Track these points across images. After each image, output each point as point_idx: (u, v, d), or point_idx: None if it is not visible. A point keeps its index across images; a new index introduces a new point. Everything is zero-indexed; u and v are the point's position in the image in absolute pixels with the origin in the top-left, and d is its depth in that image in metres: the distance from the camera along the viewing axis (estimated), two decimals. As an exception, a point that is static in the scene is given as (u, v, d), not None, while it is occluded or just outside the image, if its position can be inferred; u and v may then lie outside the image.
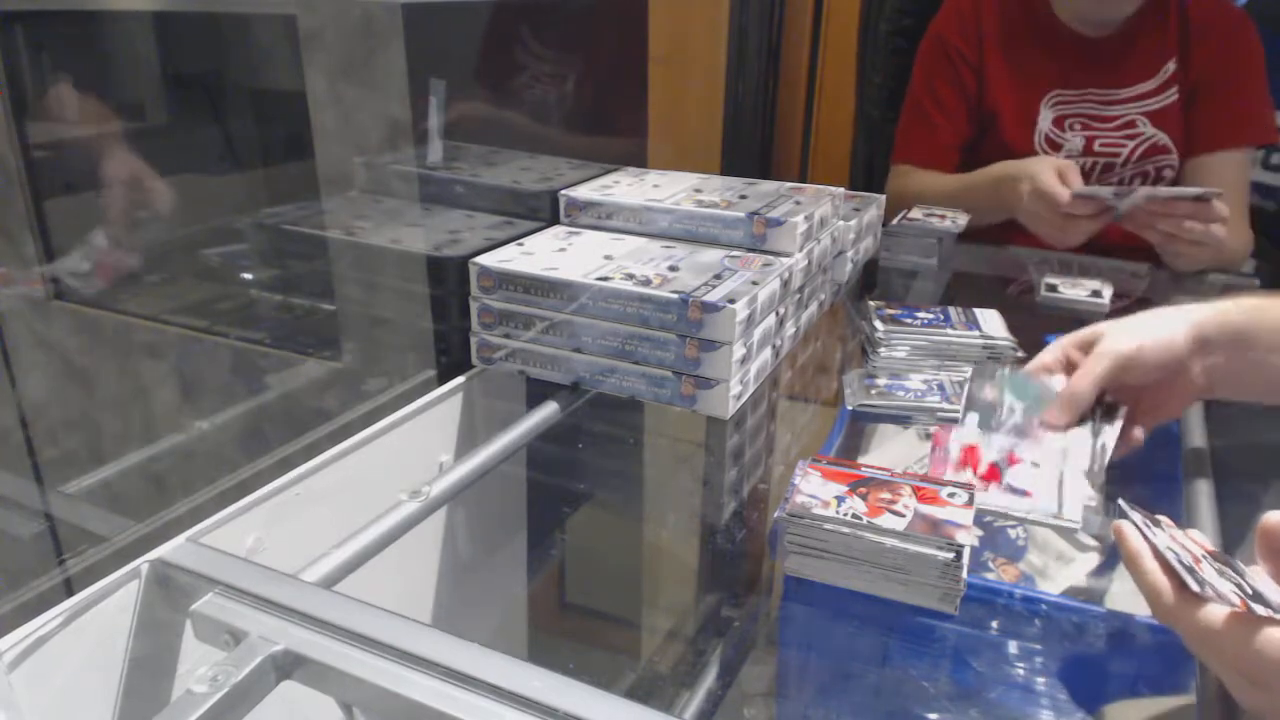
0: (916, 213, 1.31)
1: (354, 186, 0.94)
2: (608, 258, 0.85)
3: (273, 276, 1.01)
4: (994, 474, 0.74)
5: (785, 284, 0.86)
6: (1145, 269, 1.29)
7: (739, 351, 0.77)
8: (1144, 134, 1.30)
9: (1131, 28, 1.29)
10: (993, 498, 0.72)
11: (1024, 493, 0.72)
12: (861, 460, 0.84)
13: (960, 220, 1.28)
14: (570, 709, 0.44)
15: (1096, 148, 1.31)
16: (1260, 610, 0.45)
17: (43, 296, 0.90)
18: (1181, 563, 0.50)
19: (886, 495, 0.65)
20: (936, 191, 1.38)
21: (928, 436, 0.88)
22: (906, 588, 0.62)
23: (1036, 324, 1.09)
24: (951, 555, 0.60)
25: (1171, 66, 1.29)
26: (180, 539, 0.59)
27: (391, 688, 0.46)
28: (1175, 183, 1.33)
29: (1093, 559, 0.75)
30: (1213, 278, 1.30)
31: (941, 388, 0.90)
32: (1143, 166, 1.32)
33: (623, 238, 0.93)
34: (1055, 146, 1.32)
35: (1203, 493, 0.74)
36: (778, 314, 0.86)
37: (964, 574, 0.61)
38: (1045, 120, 1.33)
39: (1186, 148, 1.31)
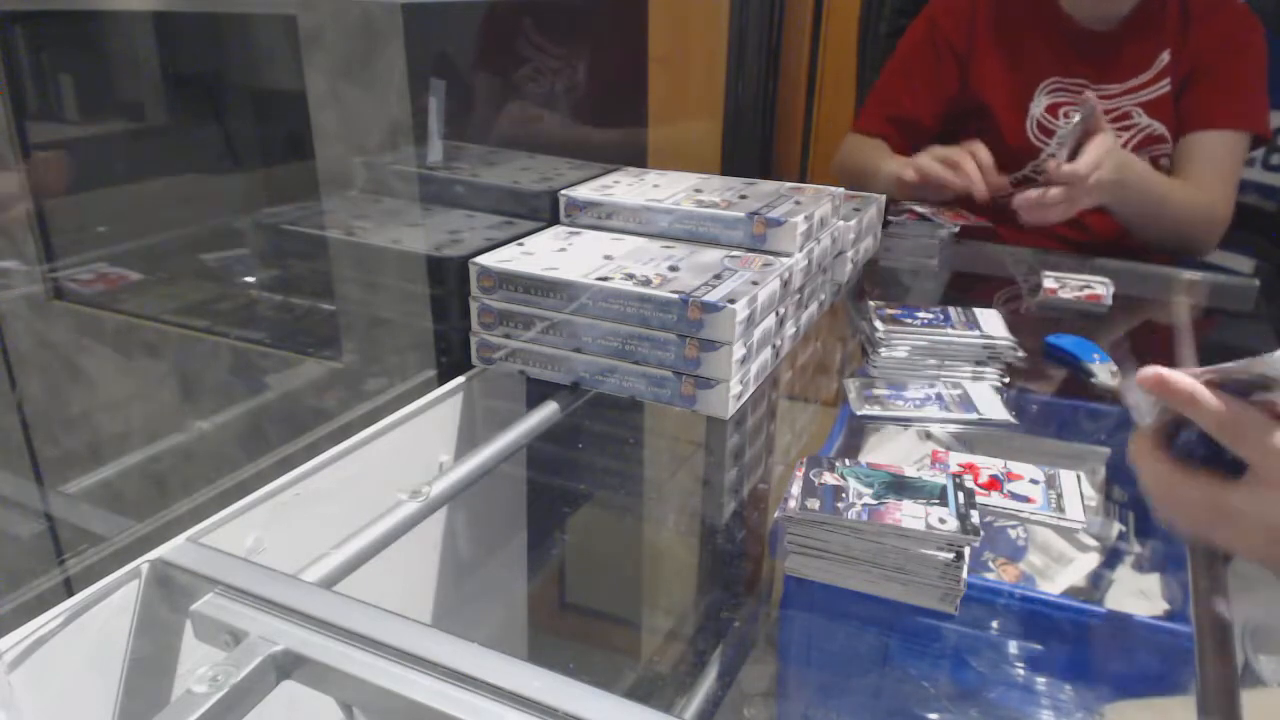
0: (917, 213, 1.31)
1: (354, 186, 0.94)
2: (608, 258, 0.85)
3: (273, 276, 1.01)
4: (994, 485, 0.74)
5: (785, 284, 0.86)
6: (1147, 269, 1.29)
7: (739, 351, 0.77)
8: (1139, 124, 1.30)
9: (1130, 24, 1.29)
10: (994, 503, 0.72)
11: (1026, 499, 0.72)
12: (862, 460, 0.84)
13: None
14: (570, 709, 0.44)
15: None
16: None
17: (43, 296, 0.90)
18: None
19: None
20: (858, 156, 1.40)
21: (928, 436, 0.88)
22: (906, 588, 0.62)
23: (1036, 324, 1.09)
24: (951, 555, 0.60)
25: (1165, 57, 1.29)
26: (180, 539, 0.59)
27: (391, 688, 0.46)
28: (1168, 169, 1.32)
29: (1093, 559, 0.75)
30: (1210, 277, 1.30)
31: (940, 398, 0.90)
32: (1139, 157, 1.31)
33: (623, 238, 0.92)
34: (1048, 133, 1.32)
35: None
36: (778, 314, 0.86)
37: (964, 574, 0.61)
38: (1039, 106, 1.32)
39: (1178, 127, 1.30)
